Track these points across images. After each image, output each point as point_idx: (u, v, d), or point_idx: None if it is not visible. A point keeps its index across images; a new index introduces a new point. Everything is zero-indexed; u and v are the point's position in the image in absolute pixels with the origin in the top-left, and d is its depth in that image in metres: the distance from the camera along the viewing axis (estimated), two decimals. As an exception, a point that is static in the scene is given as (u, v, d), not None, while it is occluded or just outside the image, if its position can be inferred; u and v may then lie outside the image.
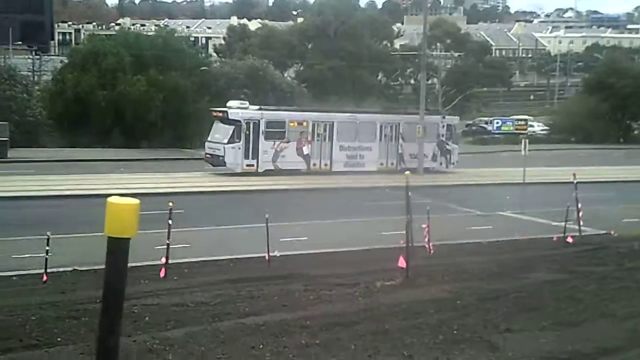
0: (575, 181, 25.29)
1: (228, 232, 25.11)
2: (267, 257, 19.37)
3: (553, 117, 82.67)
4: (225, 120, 39.92)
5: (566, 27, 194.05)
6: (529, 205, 31.34)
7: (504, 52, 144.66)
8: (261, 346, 10.43)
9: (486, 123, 77.94)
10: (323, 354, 10.14)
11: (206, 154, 41.09)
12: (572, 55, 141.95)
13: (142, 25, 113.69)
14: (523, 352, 10.02)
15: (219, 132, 40.26)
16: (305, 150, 41.39)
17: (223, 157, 39.37)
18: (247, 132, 39.56)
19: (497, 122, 72.58)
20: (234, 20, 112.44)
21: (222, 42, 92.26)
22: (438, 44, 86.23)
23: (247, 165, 39.58)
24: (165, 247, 17.96)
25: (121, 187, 30.40)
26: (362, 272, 17.58)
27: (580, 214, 24.80)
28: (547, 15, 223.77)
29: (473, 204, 32.96)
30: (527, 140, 34.58)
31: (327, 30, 76.05)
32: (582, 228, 24.95)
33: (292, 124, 41.46)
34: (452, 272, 17.03)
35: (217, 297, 14.35)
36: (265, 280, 16.63)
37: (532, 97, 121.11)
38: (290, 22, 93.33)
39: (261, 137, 39.87)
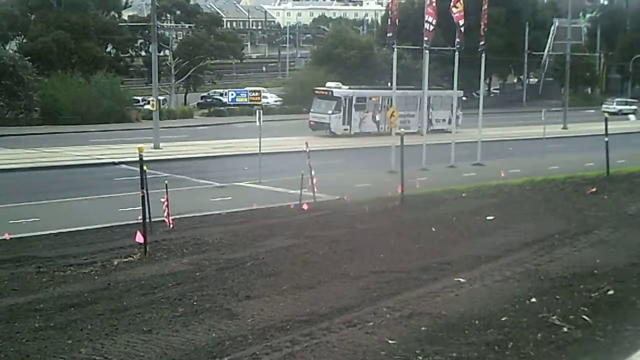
0: (308, 150, 26.05)
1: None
2: (-6, 241, 18.26)
3: (285, 88, 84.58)
4: (329, 97, 53.30)
5: (294, 0, 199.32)
6: (267, 174, 31.93)
7: (234, 24, 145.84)
8: (-10, 333, 9.85)
9: (221, 95, 78.28)
10: (58, 337, 9.78)
11: (310, 121, 53.56)
12: (301, 27, 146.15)
13: None
14: (263, 317, 10.18)
15: (322, 106, 53.42)
16: (377, 117, 53.45)
17: (329, 123, 52.19)
18: (344, 105, 52.60)
19: (232, 94, 73.06)
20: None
21: None
22: (168, 15, 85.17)
23: (344, 130, 52.18)
24: None
25: None
26: (99, 250, 17.12)
27: (315, 181, 25.60)
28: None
29: (212, 176, 33.06)
30: (261, 111, 35.10)
31: (51, 1, 72.79)
32: (317, 194, 25.75)
33: (370, 99, 54.31)
34: (191, 245, 17.00)
35: (-61, 286, 13.35)
36: (-6, 264, 15.69)
37: (264, 68, 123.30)
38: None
39: (352, 109, 52.57)
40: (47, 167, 35.93)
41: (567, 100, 67.75)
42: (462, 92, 58.84)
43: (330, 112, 52.69)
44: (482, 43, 39.69)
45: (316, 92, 55.94)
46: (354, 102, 52.96)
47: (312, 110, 54.84)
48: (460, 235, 16.66)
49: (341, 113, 52.67)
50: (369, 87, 61.99)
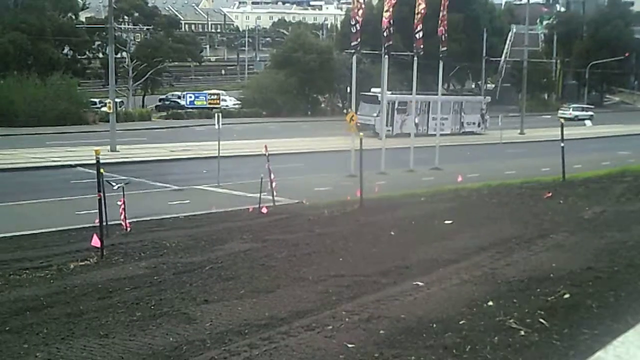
0: (267, 153, 26.01)
1: None
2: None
3: (244, 92, 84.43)
4: (374, 101, 56.06)
5: (253, 3, 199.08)
6: (225, 178, 31.83)
7: (193, 27, 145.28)
8: (-57, 340, 9.66)
9: (179, 97, 78.00)
10: (14, 340, 9.63)
11: (357, 122, 54.22)
12: (260, 31, 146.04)
13: None
14: (221, 321, 10.10)
15: (367, 109, 56.95)
16: (416, 120, 56.23)
17: (373, 125, 54.95)
18: (388, 109, 55.39)
19: (191, 97, 72.88)
20: None
21: None
22: (126, 17, 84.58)
23: (387, 131, 52.99)
24: None
25: None
26: (55, 254, 16.91)
27: (274, 184, 25.55)
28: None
29: (170, 179, 32.87)
30: (220, 115, 35.03)
31: (7, 1, 72.07)
32: (276, 198, 25.71)
33: (410, 104, 56.38)
34: (149, 248, 16.86)
35: None
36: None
37: (223, 71, 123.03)
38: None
39: (395, 112, 58.30)
40: (2, 170, 35.44)
41: (524, 106, 68.61)
42: (489, 98, 69.25)
43: (375, 114, 56.52)
44: (444, 49, 40.02)
45: (363, 96, 60.21)
46: (396, 105, 58.53)
47: (358, 113, 58.66)
48: (418, 239, 16.70)
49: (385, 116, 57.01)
50: (409, 92, 66.37)
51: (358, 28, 37.23)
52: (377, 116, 55.59)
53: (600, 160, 39.74)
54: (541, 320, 9.26)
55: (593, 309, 9.60)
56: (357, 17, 37.21)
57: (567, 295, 10.35)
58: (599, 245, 14.38)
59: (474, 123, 64.04)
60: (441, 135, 55.05)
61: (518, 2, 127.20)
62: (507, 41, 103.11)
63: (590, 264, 12.46)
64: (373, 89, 59.75)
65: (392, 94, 58.71)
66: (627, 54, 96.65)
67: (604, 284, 10.84)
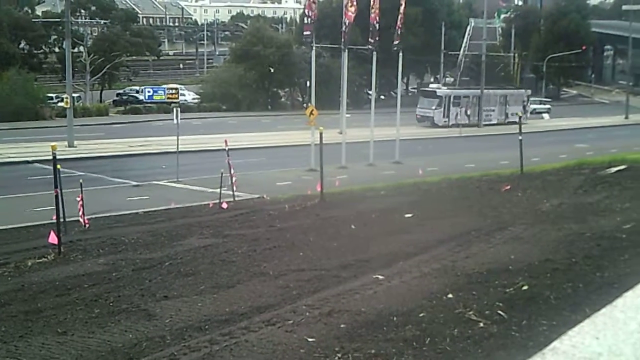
0: (227, 148, 25.90)
1: None
2: None
3: (203, 86, 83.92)
4: (433, 95, 65.59)
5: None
6: (185, 173, 31.64)
7: (151, 20, 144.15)
8: None
9: (137, 92, 77.28)
10: (-30, 341, 9.46)
11: (417, 114, 64.61)
12: (219, 25, 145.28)
13: None
14: (181, 317, 10.05)
15: (425, 103, 65.43)
16: (468, 112, 66.07)
17: (433, 117, 63.88)
18: (444, 102, 64.61)
19: (149, 91, 72.24)
20: None
21: None
22: (82, 11, 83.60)
23: (444, 122, 63.55)
24: None
25: None
26: (12, 251, 16.74)
27: (234, 179, 25.45)
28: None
29: (129, 175, 32.60)
30: (179, 109, 34.79)
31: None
32: (237, 193, 25.61)
33: (463, 97, 66.99)
34: (108, 245, 16.71)
35: None
36: None
37: (182, 65, 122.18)
38: None
39: (450, 105, 64.82)
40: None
41: (482, 100, 69.11)
42: (530, 90, 77.02)
43: (433, 107, 64.65)
44: (396, 42, 40.10)
45: (422, 91, 69.39)
46: (451, 99, 65.27)
47: (418, 106, 66.66)
48: (378, 233, 16.71)
49: (442, 108, 64.67)
50: (462, 87, 79.19)
51: (310, 21, 37.19)
52: (436, 109, 63.76)
53: (558, 153, 40.18)
54: (500, 312, 9.32)
55: (551, 300, 9.68)
56: (310, 10, 37.19)
57: (525, 287, 10.43)
58: (557, 237, 14.51)
59: (516, 114, 69.08)
60: (489, 125, 65.49)
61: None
62: (466, 35, 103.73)
63: (548, 255, 12.57)
64: (431, 85, 69.07)
65: (447, 89, 68.65)
66: (584, 47, 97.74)
67: (561, 275, 10.94)
